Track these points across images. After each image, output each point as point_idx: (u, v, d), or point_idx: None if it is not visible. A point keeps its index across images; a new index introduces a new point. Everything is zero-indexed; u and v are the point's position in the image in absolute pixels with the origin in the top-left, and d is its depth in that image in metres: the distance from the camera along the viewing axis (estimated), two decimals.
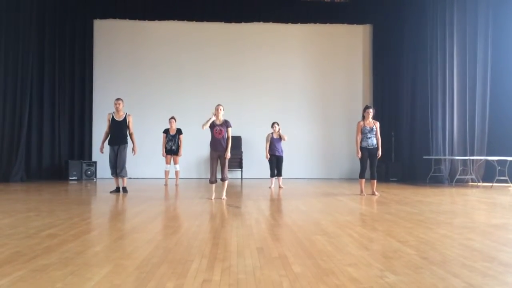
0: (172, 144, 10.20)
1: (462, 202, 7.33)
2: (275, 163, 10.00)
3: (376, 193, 8.25)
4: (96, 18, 13.27)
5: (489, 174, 11.22)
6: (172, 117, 10.34)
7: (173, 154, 10.24)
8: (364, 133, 8.17)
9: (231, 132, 7.38)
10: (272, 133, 10.04)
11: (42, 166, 12.44)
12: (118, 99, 8.37)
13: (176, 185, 10.20)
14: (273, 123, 10.15)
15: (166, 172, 10.37)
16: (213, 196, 7.44)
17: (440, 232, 4.41)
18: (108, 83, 13.13)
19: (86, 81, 12.99)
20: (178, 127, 10.32)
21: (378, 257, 3.35)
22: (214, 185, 7.51)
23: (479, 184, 10.97)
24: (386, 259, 3.30)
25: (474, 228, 4.70)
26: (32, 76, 11.96)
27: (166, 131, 10.29)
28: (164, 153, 10.23)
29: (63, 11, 12.83)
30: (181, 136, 10.26)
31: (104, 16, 13.30)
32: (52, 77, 12.69)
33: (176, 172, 10.37)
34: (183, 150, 10.39)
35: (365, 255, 3.41)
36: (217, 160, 7.38)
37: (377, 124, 8.31)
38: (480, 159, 11.17)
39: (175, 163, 10.28)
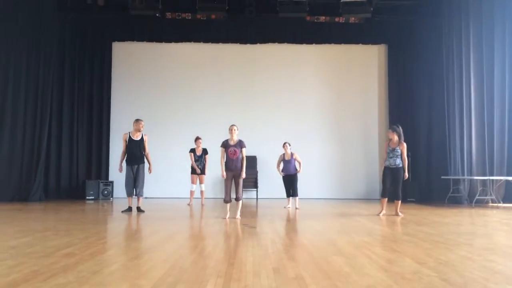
0: (198, 164, 10.39)
1: (482, 223, 7.17)
2: (289, 183, 9.95)
3: (400, 213, 8.13)
4: (114, 41, 13.59)
5: (510, 194, 10.98)
6: (198, 137, 10.51)
7: (199, 174, 10.42)
8: (387, 152, 8.30)
9: (246, 152, 7.47)
10: (283, 154, 9.99)
11: (60, 186, 12.65)
12: (141, 120, 8.56)
13: (202, 204, 10.29)
14: (284, 144, 10.03)
15: (192, 192, 10.47)
16: (228, 216, 7.44)
17: (460, 254, 4.31)
18: (125, 104, 13.33)
19: (104, 102, 13.22)
20: (204, 147, 10.53)
21: (397, 279, 3.28)
22: (228, 205, 7.54)
23: (499, 205, 10.73)
24: (405, 280, 3.23)
25: (496, 249, 4.58)
26: (52, 97, 12.22)
27: (193, 151, 10.47)
28: (197, 169, 10.36)
29: (83, 33, 13.18)
30: (207, 156, 10.47)
31: (123, 38, 13.61)
32: (71, 98, 12.99)
33: (202, 192, 10.53)
34: (208, 170, 10.58)
35: (384, 277, 3.34)
36: (232, 180, 7.45)
37: (402, 145, 8.21)
38: (500, 179, 10.95)
39: (200, 182, 10.46)
